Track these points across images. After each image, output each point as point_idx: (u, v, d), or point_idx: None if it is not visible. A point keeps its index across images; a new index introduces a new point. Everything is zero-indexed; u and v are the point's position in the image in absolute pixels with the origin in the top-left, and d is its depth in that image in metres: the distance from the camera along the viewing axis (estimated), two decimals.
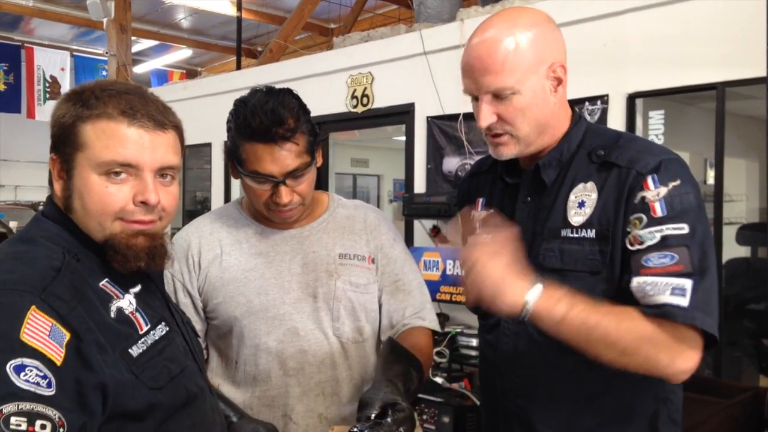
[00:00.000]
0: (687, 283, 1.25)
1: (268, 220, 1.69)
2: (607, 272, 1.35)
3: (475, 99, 1.42)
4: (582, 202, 1.40)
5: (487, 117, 1.38)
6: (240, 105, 1.58)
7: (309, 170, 1.60)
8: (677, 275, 1.26)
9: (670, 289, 1.25)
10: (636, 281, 1.29)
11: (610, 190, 1.37)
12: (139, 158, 1.13)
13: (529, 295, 1.26)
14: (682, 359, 1.26)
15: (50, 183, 1.20)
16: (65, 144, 1.14)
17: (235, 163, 1.60)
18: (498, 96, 1.37)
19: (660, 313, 1.25)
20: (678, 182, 1.32)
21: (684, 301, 1.24)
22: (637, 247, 1.31)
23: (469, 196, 1.67)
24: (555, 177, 1.45)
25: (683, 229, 1.29)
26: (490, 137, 1.43)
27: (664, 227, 1.29)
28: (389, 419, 1.34)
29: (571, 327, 1.26)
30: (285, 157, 1.54)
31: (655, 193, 1.31)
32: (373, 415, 1.34)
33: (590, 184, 1.40)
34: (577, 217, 1.39)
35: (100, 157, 1.12)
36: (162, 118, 1.16)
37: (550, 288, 1.27)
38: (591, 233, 1.37)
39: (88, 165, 1.12)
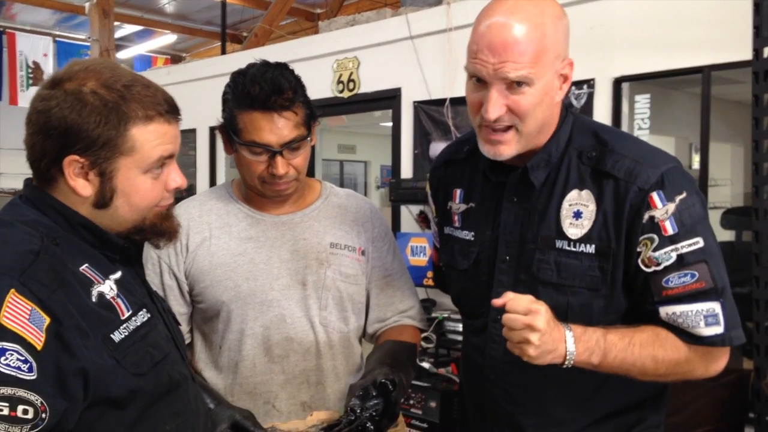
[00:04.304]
0: (716, 307, 1.27)
1: (261, 197, 1.66)
2: (606, 289, 1.32)
3: (480, 83, 1.30)
4: (578, 212, 1.34)
5: (497, 108, 1.27)
6: (238, 76, 1.58)
7: (305, 143, 1.60)
8: (702, 295, 1.27)
9: (703, 320, 1.27)
10: (664, 312, 1.29)
11: (608, 203, 1.32)
12: (174, 150, 1.19)
13: (569, 346, 1.24)
14: (714, 365, 1.34)
15: (39, 173, 1.16)
16: (100, 148, 1.11)
17: (230, 134, 1.58)
18: (512, 86, 1.26)
19: (700, 344, 1.29)
20: (684, 195, 1.29)
21: (719, 329, 1.28)
22: (654, 268, 1.29)
23: (445, 185, 1.60)
24: (544, 179, 1.38)
25: (698, 243, 1.27)
26: (490, 133, 1.31)
27: (678, 245, 1.27)
28: (368, 403, 1.38)
29: (611, 368, 1.29)
30: (283, 126, 1.54)
31: (663, 211, 1.28)
32: (357, 402, 1.38)
33: (585, 193, 1.34)
34: (573, 229, 1.34)
35: (151, 158, 1.15)
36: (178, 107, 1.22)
37: (582, 336, 1.25)
38: (590, 248, 1.32)
39: (135, 167, 1.14)
